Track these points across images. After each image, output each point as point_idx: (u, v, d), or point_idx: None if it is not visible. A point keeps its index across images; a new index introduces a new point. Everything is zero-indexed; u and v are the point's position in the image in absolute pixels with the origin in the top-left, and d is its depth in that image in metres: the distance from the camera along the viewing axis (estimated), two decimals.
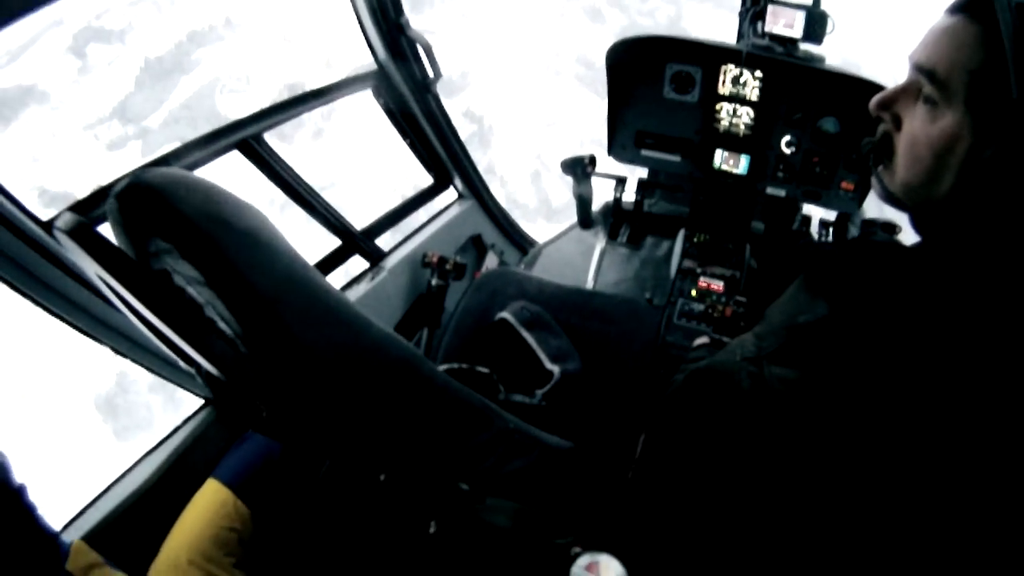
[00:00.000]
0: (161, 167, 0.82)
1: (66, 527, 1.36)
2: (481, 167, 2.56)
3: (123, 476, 1.48)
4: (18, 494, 0.83)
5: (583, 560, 1.08)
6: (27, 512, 0.84)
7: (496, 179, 7.50)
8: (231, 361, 0.76)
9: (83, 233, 0.72)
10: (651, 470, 1.15)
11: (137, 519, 1.41)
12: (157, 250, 0.76)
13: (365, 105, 2.09)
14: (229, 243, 0.78)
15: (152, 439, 1.60)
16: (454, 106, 9.36)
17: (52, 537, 0.86)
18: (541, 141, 8.51)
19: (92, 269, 0.80)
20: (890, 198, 0.74)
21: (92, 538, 1.32)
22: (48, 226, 1.22)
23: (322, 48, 8.80)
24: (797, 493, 0.69)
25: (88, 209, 1.33)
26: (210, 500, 1.41)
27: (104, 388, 6.57)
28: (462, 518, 1.11)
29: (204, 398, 1.61)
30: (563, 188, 7.95)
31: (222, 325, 0.77)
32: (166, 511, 1.39)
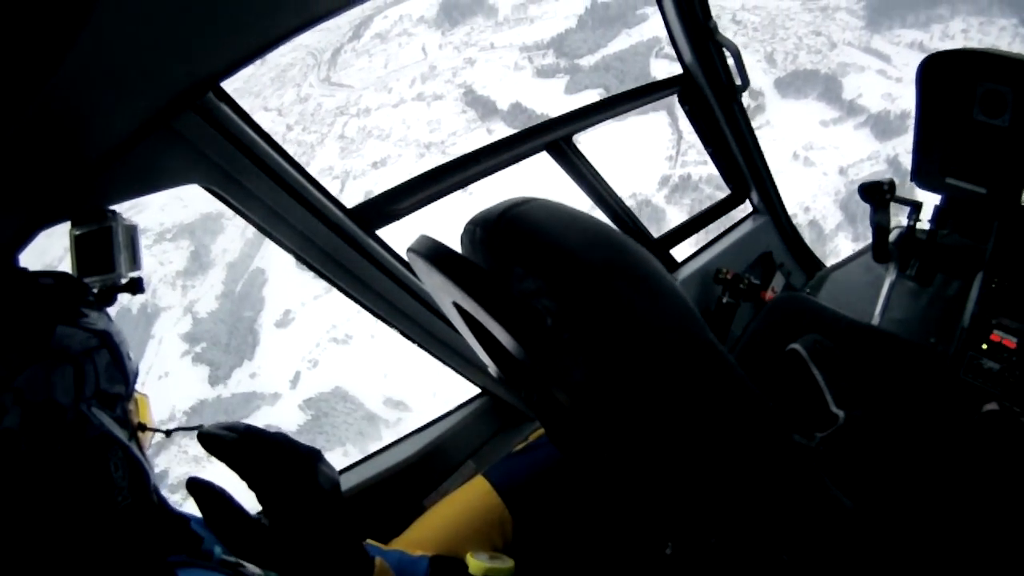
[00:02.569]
0: (536, 199, 0.77)
1: None
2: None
3: (388, 447, 1.65)
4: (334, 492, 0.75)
5: None
6: (344, 521, 0.75)
7: None
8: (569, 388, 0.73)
9: (440, 256, 0.76)
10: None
11: (392, 491, 1.53)
12: (521, 277, 0.73)
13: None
14: (620, 292, 0.71)
15: None
16: (883, 148, 7.82)
17: (365, 552, 0.77)
18: None
19: (434, 284, 0.85)
20: None
21: (361, 495, 1.48)
22: (383, 243, 1.42)
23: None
24: None
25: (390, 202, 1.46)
26: (478, 500, 1.42)
27: None
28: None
29: (481, 387, 1.74)
30: None
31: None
32: (421, 487, 1.51)
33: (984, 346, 1.89)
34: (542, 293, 0.71)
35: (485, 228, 0.75)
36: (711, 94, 2.01)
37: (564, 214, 0.77)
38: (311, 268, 1.37)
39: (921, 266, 2.29)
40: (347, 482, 1.48)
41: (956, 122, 1.95)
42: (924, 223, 2.19)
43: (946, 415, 1.73)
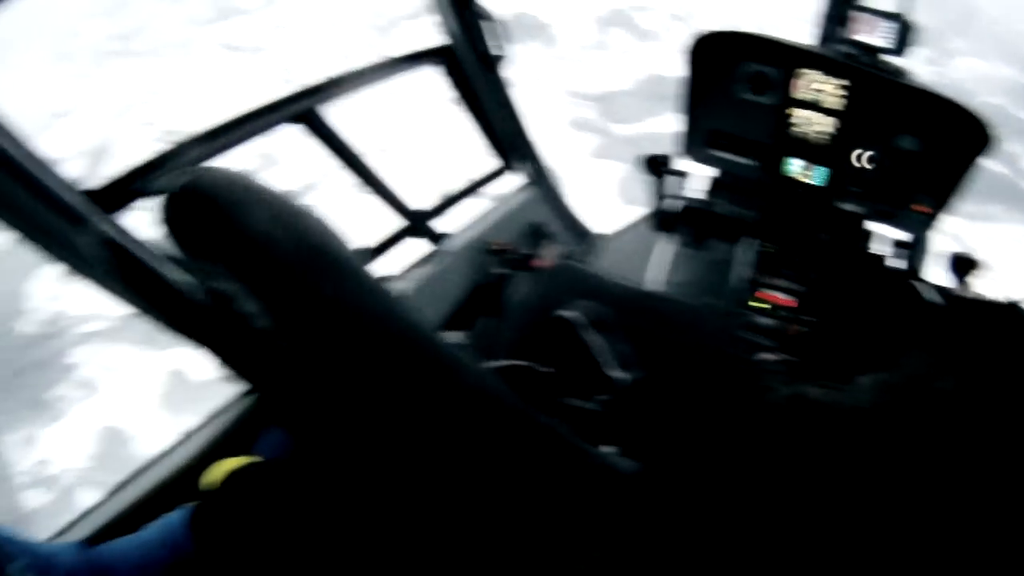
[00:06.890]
0: (213, 169, 0.66)
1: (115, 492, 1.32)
2: None
3: (159, 459, 1.43)
4: None
5: None
6: None
7: None
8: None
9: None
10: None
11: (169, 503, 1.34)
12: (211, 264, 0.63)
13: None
14: (306, 281, 0.64)
15: None
16: None
17: None
18: None
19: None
20: None
21: (128, 517, 1.28)
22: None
23: None
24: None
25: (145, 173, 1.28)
26: None
27: None
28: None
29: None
30: None
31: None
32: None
33: (756, 304, 2.10)
34: (231, 280, 0.61)
35: (162, 210, 0.61)
36: (473, 66, 1.99)
37: (240, 186, 0.66)
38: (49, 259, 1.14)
39: (695, 231, 2.49)
40: (125, 500, 1.31)
41: (722, 99, 2.10)
42: (695, 193, 2.39)
43: (727, 368, 1.78)
